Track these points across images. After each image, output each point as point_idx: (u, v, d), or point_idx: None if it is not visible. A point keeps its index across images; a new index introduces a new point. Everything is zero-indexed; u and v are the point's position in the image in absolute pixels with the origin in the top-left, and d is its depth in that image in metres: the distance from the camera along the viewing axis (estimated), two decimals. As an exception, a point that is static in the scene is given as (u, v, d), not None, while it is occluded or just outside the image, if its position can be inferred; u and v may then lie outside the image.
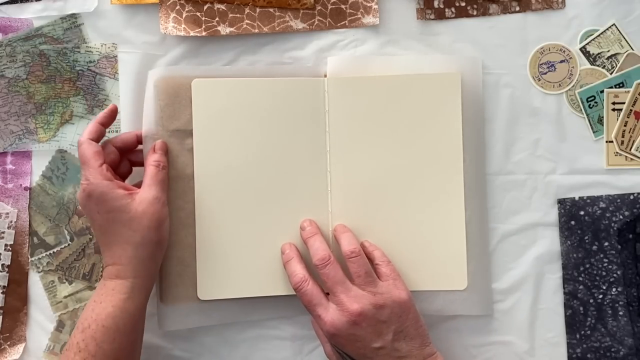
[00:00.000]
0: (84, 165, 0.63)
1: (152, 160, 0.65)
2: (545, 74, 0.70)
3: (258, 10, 0.70)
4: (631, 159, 0.70)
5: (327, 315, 0.61)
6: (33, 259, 0.72)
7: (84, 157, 0.63)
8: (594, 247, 0.69)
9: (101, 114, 0.66)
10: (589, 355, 0.69)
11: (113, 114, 0.67)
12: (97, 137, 0.65)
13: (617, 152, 0.70)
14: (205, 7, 0.70)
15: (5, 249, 0.72)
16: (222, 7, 0.70)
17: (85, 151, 0.63)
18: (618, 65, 0.70)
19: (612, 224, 0.69)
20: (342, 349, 0.62)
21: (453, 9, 0.71)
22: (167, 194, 0.65)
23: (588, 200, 0.69)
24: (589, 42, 0.70)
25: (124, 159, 0.68)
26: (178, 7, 0.70)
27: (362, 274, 0.62)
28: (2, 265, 0.71)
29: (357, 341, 0.61)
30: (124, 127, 0.71)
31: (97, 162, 0.63)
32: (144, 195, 0.62)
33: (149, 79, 0.69)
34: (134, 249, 0.61)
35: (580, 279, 0.69)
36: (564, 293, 0.70)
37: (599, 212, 0.69)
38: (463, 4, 0.70)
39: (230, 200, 0.68)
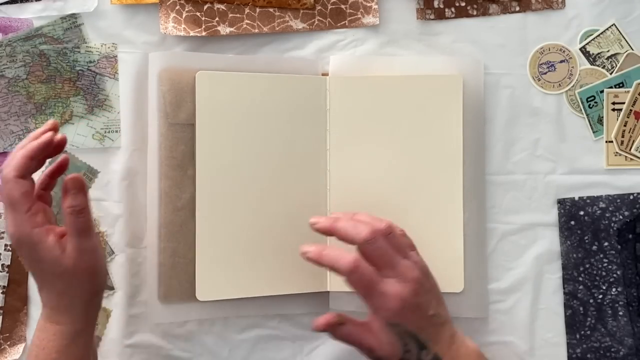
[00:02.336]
0: (10, 207, 0.56)
1: (66, 206, 0.57)
2: (545, 74, 0.70)
3: (258, 10, 0.70)
4: (631, 159, 0.70)
5: (392, 288, 0.57)
6: (33, 259, 0.72)
7: (9, 199, 0.56)
8: (594, 247, 0.69)
9: (32, 146, 0.56)
10: (588, 356, 0.69)
11: (49, 146, 0.57)
12: (27, 173, 0.56)
13: (616, 152, 0.70)
14: (205, 7, 0.70)
15: (5, 249, 0.72)
16: (222, 7, 0.70)
17: (11, 192, 0.55)
18: (618, 65, 0.70)
19: (612, 224, 0.69)
20: (405, 325, 0.58)
21: (453, 9, 0.71)
22: (94, 237, 0.59)
23: (588, 200, 0.69)
24: (589, 42, 0.70)
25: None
26: (178, 7, 0.70)
27: (404, 245, 0.59)
28: (2, 265, 0.71)
29: (418, 310, 0.58)
30: (124, 127, 0.71)
31: (25, 206, 0.56)
32: (70, 247, 0.57)
33: (150, 64, 0.69)
34: (70, 298, 0.58)
35: (580, 279, 0.69)
36: (564, 293, 0.70)
37: (598, 212, 0.69)
38: (463, 4, 0.70)
39: (230, 200, 0.68)
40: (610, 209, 0.69)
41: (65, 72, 0.72)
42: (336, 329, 0.60)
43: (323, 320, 0.60)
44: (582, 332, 0.69)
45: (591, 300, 0.69)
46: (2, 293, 0.71)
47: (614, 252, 0.69)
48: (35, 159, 0.57)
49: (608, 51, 0.70)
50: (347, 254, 0.57)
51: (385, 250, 0.57)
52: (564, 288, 0.70)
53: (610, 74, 0.70)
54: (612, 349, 0.68)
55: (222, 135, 0.68)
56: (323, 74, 0.70)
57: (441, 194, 0.68)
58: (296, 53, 0.71)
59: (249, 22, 0.70)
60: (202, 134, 0.68)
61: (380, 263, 0.58)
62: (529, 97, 0.70)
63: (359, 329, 0.60)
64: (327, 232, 0.60)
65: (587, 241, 0.69)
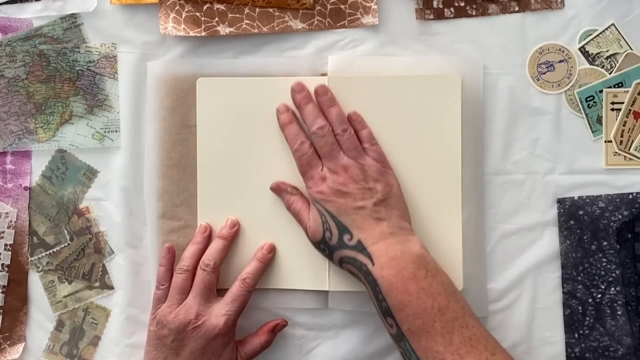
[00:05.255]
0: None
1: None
2: (544, 73, 0.70)
3: (257, 10, 0.70)
4: (630, 158, 0.70)
5: (322, 173, 0.65)
6: (33, 258, 0.72)
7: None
8: (593, 247, 0.69)
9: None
10: (587, 355, 0.69)
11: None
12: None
13: (616, 152, 0.70)
14: (205, 7, 0.70)
15: (5, 249, 0.72)
16: (222, 7, 0.70)
17: None
18: (617, 65, 0.70)
19: (611, 224, 0.69)
20: (325, 205, 0.64)
21: (452, 9, 0.71)
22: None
23: (587, 200, 0.69)
24: (588, 42, 0.70)
25: None
26: (178, 7, 0.70)
27: (352, 149, 0.65)
28: (2, 265, 0.72)
29: (342, 197, 0.63)
30: (123, 127, 0.71)
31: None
32: None
33: (148, 72, 0.70)
34: None
35: (579, 278, 0.69)
36: (563, 292, 0.70)
37: (598, 211, 0.69)
38: (462, 4, 0.70)
39: (231, 202, 0.69)
40: (609, 208, 0.69)
41: (65, 72, 0.72)
42: (285, 195, 0.68)
43: (276, 184, 0.69)
44: (581, 332, 0.69)
45: (590, 300, 0.69)
46: (2, 293, 0.71)
47: (612, 251, 0.69)
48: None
49: (607, 51, 0.70)
50: (302, 140, 0.66)
51: (329, 145, 0.65)
52: (562, 287, 0.70)
53: (610, 73, 0.70)
54: (611, 349, 0.68)
55: (222, 139, 0.69)
56: (322, 74, 0.70)
57: (440, 194, 0.68)
58: (296, 53, 0.71)
59: (248, 22, 0.70)
60: (203, 139, 0.69)
61: (322, 153, 0.66)
62: (528, 97, 0.70)
63: (301, 204, 0.67)
64: (296, 105, 0.68)
65: (586, 240, 0.69)
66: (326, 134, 0.65)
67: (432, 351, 0.58)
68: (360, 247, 0.62)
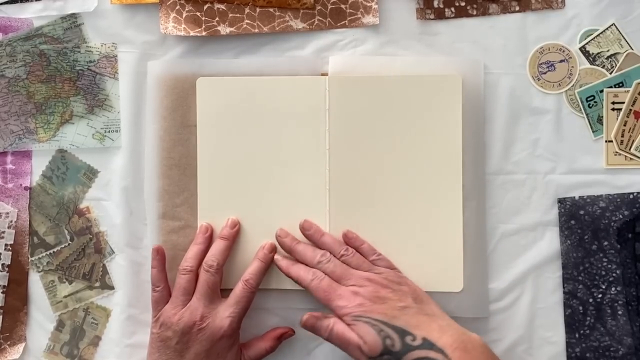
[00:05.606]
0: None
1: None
2: (545, 73, 0.70)
3: (258, 10, 0.70)
4: (630, 158, 0.70)
5: (348, 289, 0.63)
6: (33, 258, 0.72)
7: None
8: (594, 247, 0.69)
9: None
10: (588, 355, 0.69)
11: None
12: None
13: (616, 152, 0.70)
14: (205, 7, 0.70)
15: (5, 249, 0.72)
16: (222, 7, 0.70)
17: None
18: (617, 65, 0.70)
19: (612, 224, 0.69)
20: (370, 314, 0.62)
21: (453, 9, 0.71)
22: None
23: (588, 200, 0.69)
24: (589, 41, 0.70)
25: None
26: (178, 7, 0.70)
27: (362, 263, 0.66)
28: (2, 265, 0.72)
29: (384, 302, 0.63)
30: (123, 127, 0.71)
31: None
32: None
33: (148, 71, 0.70)
34: None
35: (580, 278, 0.69)
36: (564, 292, 0.70)
37: (598, 211, 0.69)
38: (463, 4, 0.70)
39: (231, 201, 0.69)
40: (610, 208, 0.69)
41: (65, 72, 0.72)
42: (323, 322, 0.64)
43: (308, 316, 0.65)
44: (582, 332, 0.69)
45: (590, 300, 0.69)
46: (2, 293, 0.71)
47: (613, 251, 0.69)
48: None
49: (608, 51, 0.70)
50: (306, 272, 0.65)
51: (339, 267, 0.65)
52: (563, 287, 0.70)
53: (610, 73, 0.70)
54: (611, 348, 0.68)
55: (223, 138, 0.69)
56: (322, 74, 0.70)
57: (441, 194, 0.68)
58: (296, 53, 0.71)
59: (249, 22, 0.70)
60: (203, 138, 0.69)
61: (335, 276, 0.65)
62: (528, 96, 0.70)
63: (342, 325, 0.63)
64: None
65: (587, 240, 0.69)
66: (331, 259, 0.65)
67: None
68: (429, 345, 0.60)
